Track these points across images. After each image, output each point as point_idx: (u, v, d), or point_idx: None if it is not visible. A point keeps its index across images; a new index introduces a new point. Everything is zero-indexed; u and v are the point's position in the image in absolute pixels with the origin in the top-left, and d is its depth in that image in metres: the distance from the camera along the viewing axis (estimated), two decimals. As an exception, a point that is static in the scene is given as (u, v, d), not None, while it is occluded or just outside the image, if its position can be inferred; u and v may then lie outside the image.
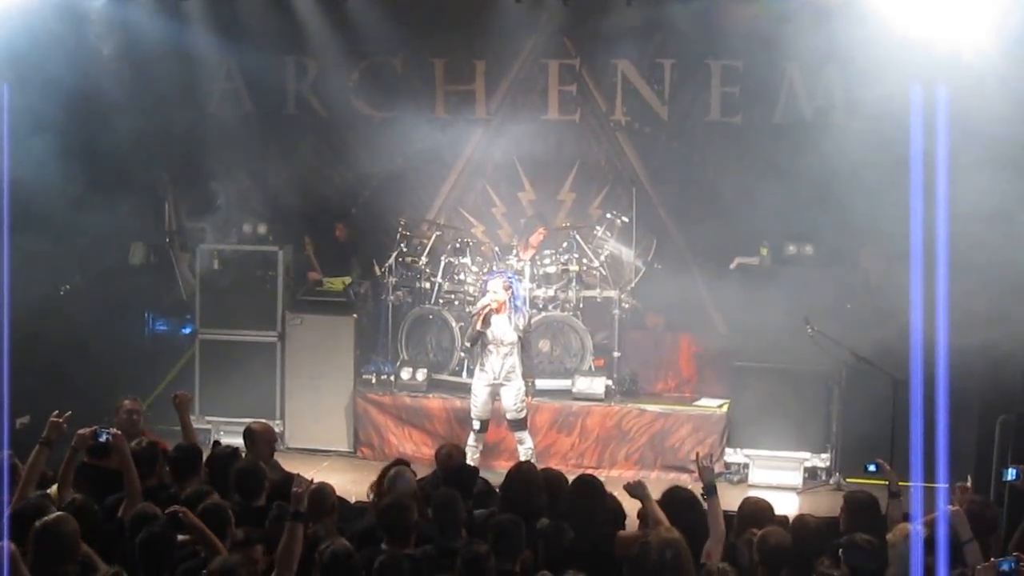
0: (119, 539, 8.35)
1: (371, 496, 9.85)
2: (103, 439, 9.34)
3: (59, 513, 7.85)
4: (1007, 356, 11.76)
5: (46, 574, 7.54)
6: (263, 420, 11.86)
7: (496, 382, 13.32)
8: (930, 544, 8.05)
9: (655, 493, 9.27)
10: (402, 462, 10.16)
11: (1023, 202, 11.73)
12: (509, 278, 13.59)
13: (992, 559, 7.55)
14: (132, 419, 11.08)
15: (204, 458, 10.04)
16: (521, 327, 13.39)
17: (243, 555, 7.77)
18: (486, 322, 13.23)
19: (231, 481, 9.36)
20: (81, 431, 9.38)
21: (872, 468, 9.78)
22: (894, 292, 11.68)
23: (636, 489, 9.09)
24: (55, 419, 9.37)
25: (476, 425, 13.51)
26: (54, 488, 9.22)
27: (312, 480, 8.54)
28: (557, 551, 8.16)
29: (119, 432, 9.47)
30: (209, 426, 15.06)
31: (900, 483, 9.54)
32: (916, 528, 8.20)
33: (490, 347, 13.34)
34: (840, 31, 13.17)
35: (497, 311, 13.19)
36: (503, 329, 13.30)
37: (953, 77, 11.27)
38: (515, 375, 13.43)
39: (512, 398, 13.30)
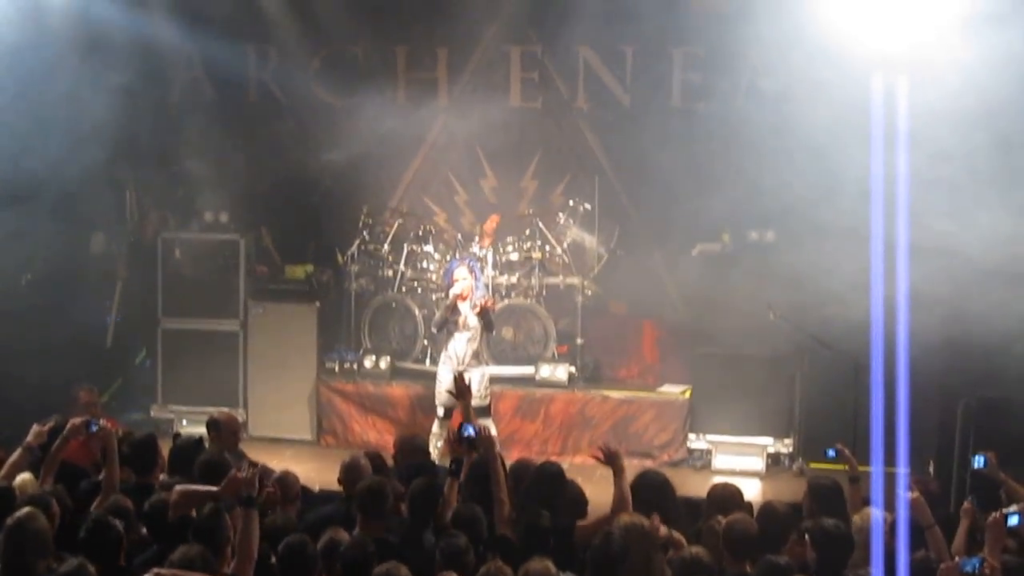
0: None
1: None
2: (94, 429, 9.33)
3: (29, 509, 7.79)
4: (967, 341, 11.83)
5: (18, 570, 7.45)
6: (227, 409, 11.85)
7: (461, 368, 13.33)
8: (892, 528, 8.13)
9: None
10: (373, 454, 10.16)
11: (980, 186, 11.80)
12: (471, 263, 13.66)
13: (957, 558, 7.61)
14: (90, 411, 11.03)
15: (168, 449, 10.01)
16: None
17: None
18: (456, 309, 13.28)
19: (194, 473, 9.32)
20: (74, 421, 9.37)
21: (831, 454, 9.85)
22: (854, 278, 11.73)
23: (612, 457, 9.13)
24: (40, 427, 9.39)
25: (440, 412, 13.52)
26: (21, 478, 9.17)
27: (256, 466, 8.56)
28: (533, 538, 8.16)
29: (107, 424, 9.48)
30: (172, 415, 15.06)
31: (862, 467, 9.61)
32: (877, 513, 8.27)
33: (456, 333, 13.37)
34: (803, 18, 13.18)
35: (464, 298, 13.24)
36: (468, 314, 13.34)
37: (914, 66, 11.35)
38: (479, 361, 13.49)
39: (476, 384, 13.31)
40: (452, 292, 13.45)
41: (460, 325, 13.39)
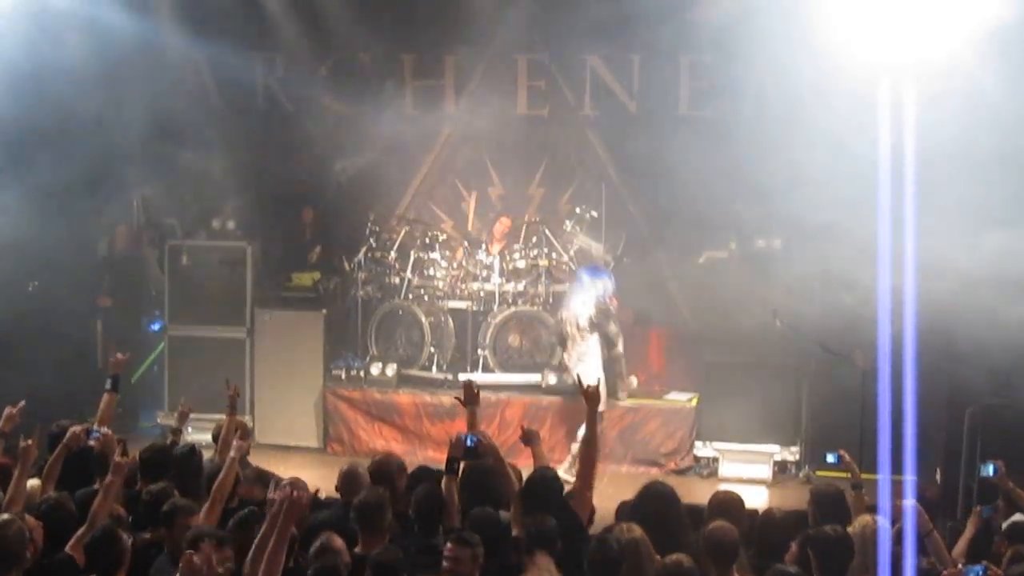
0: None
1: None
2: (95, 438, 9.32)
3: (4, 517, 7.74)
4: (973, 349, 11.82)
5: None
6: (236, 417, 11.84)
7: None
8: (898, 536, 8.12)
9: (626, 487, 9.35)
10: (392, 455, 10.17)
11: (988, 196, 11.80)
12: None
13: (960, 566, 7.60)
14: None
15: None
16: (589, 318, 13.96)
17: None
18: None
19: (202, 483, 9.29)
20: (74, 429, 9.33)
21: (832, 459, 9.82)
22: (861, 285, 11.74)
23: (528, 435, 9.54)
24: (9, 409, 9.37)
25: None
26: (30, 484, 9.15)
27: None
28: (541, 540, 8.15)
29: (109, 432, 9.45)
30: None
31: (867, 475, 9.60)
32: (882, 520, 8.25)
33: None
34: (811, 26, 13.17)
35: None
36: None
37: (922, 75, 11.35)
38: (589, 359, 13.89)
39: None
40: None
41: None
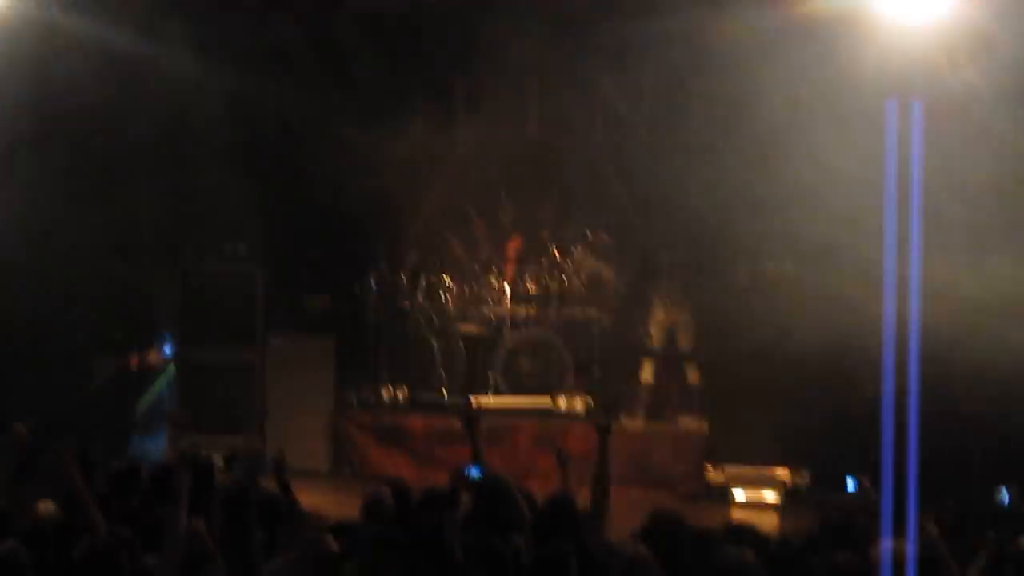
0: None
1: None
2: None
3: (10, 543, 7.73)
4: (985, 376, 11.81)
5: None
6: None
7: None
8: (908, 562, 8.08)
9: (636, 512, 9.30)
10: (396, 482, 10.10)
11: (996, 224, 11.79)
12: None
13: None
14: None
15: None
16: None
17: None
18: None
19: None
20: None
21: (852, 485, 9.79)
22: (871, 310, 11.71)
23: (561, 456, 9.39)
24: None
25: None
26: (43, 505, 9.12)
27: None
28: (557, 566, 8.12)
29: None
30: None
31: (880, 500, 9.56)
32: (892, 546, 8.22)
33: None
34: (822, 50, 13.18)
35: None
36: None
37: (931, 100, 11.34)
38: None
39: None
40: None
41: None
